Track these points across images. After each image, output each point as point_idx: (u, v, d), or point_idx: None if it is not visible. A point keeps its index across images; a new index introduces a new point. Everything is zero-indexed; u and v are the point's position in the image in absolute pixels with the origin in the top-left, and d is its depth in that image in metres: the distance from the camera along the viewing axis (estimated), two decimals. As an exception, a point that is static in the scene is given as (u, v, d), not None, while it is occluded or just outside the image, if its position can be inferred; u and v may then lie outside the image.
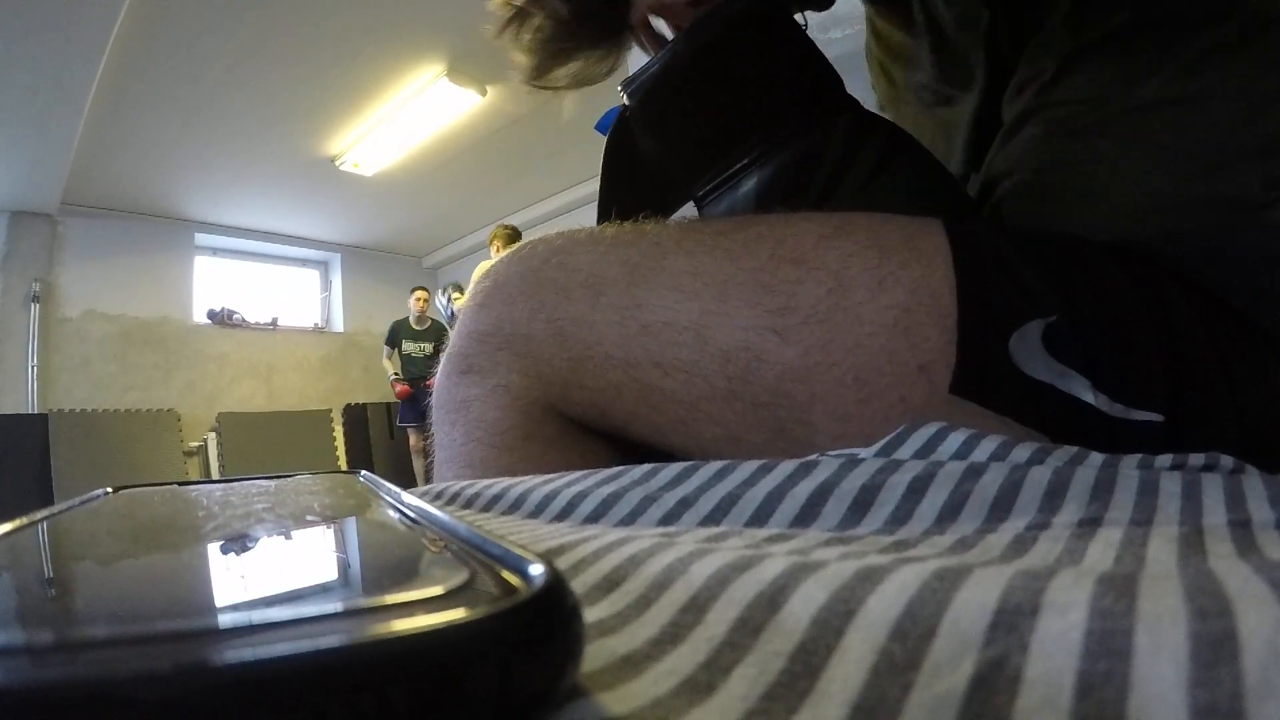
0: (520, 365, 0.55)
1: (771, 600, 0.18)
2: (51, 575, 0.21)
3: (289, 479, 0.36)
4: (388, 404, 7.10)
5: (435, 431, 0.60)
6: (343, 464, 6.75)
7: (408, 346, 6.27)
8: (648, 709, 0.15)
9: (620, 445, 0.57)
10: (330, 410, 6.80)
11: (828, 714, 0.14)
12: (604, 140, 0.74)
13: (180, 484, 0.34)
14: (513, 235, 5.13)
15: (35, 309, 5.66)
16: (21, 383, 5.58)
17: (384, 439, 6.95)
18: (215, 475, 6.07)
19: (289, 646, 0.11)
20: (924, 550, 0.24)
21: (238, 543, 0.25)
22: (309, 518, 0.29)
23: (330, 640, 0.12)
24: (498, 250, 5.06)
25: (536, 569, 0.15)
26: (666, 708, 0.15)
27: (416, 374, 6.19)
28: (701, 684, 0.16)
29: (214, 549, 0.24)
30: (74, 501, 0.29)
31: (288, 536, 0.26)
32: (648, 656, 0.17)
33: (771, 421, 0.49)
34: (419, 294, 6.42)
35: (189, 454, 6.10)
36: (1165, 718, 0.13)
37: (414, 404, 6.16)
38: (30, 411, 5.49)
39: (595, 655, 0.17)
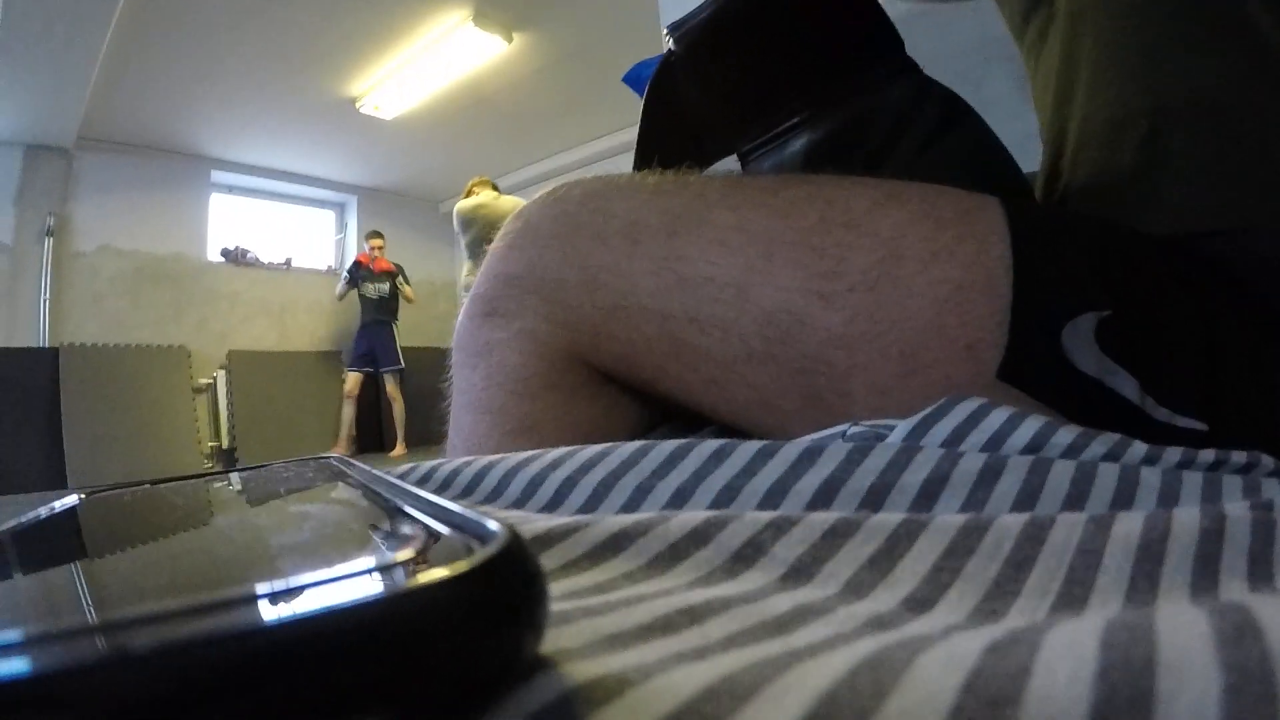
0: (548, 311, 0.54)
1: (776, 628, 0.17)
2: (23, 578, 0.21)
3: (261, 469, 0.36)
4: (399, 347, 7.12)
5: (454, 375, 0.58)
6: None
7: (366, 288, 6.38)
8: (632, 670, 0.14)
9: (646, 399, 0.56)
10: (340, 352, 6.83)
11: (832, 671, 0.14)
12: (630, 93, 0.72)
13: (152, 482, 0.34)
14: (488, 181, 5.31)
15: (49, 243, 5.67)
16: (33, 317, 5.60)
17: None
18: (224, 412, 6.18)
19: (207, 628, 0.11)
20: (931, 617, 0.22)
21: (195, 534, 0.26)
22: (269, 506, 0.30)
23: (261, 618, 0.12)
24: (477, 193, 5.19)
25: (491, 533, 0.15)
26: (650, 671, 0.14)
27: (370, 318, 6.37)
28: (691, 656, 0.15)
29: (171, 542, 0.25)
30: (44, 509, 0.29)
31: (241, 528, 0.27)
32: (636, 638, 0.16)
33: (807, 388, 0.48)
34: (375, 241, 6.56)
35: (198, 391, 6.14)
36: (1198, 669, 0.12)
37: (365, 346, 6.36)
38: (41, 345, 5.52)
39: (578, 634, 0.16)
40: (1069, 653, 0.13)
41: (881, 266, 0.47)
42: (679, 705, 0.13)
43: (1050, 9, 0.68)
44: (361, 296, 6.39)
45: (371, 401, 6.70)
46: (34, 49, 4.22)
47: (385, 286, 6.43)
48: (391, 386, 6.39)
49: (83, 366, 5.49)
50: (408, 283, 6.60)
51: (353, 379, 6.33)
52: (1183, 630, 0.14)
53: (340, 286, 6.56)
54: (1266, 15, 0.54)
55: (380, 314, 6.42)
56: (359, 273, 6.41)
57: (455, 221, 5.08)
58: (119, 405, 5.56)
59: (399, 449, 6.44)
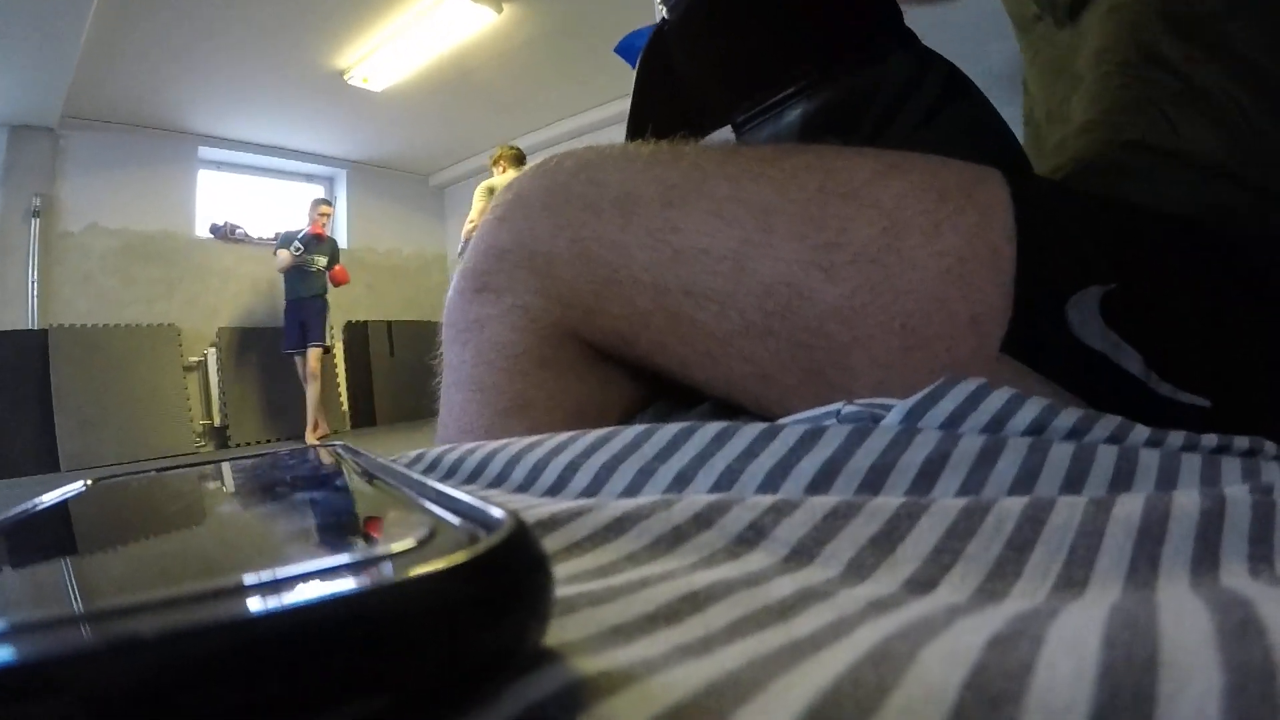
0: (540, 285, 0.53)
1: (779, 613, 0.17)
2: (19, 568, 0.21)
3: (264, 456, 0.36)
4: (389, 322, 7.11)
5: (444, 352, 0.57)
6: (343, 382, 6.79)
7: (313, 260, 5.96)
8: (636, 665, 0.14)
9: (642, 374, 0.55)
10: (332, 327, 6.78)
11: (834, 665, 0.14)
12: (622, 63, 0.71)
13: (159, 470, 0.34)
14: (519, 156, 5.07)
15: (36, 223, 5.65)
16: (22, 298, 5.59)
17: (384, 357, 6.98)
18: (215, 390, 6.19)
19: (210, 615, 0.11)
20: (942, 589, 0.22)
21: (197, 525, 0.26)
22: (275, 493, 0.30)
23: (265, 606, 0.12)
24: (504, 170, 4.97)
25: (497, 521, 0.15)
26: (655, 665, 0.14)
27: (310, 292, 5.98)
28: (696, 649, 0.15)
29: (177, 530, 0.25)
30: (50, 495, 0.28)
31: (249, 514, 0.27)
32: (640, 630, 0.16)
33: (808, 363, 0.47)
34: (327, 209, 6.21)
35: (189, 369, 6.15)
36: (1200, 668, 0.12)
37: (298, 325, 5.95)
38: (31, 327, 5.52)
39: (582, 624, 0.16)
40: (1072, 650, 0.13)
41: (883, 238, 0.46)
42: (682, 699, 0.13)
43: (1056, 13, 0.68)
44: (303, 270, 5.94)
45: (362, 374, 6.70)
46: (16, 28, 4.19)
47: (325, 260, 6.03)
48: (315, 363, 5.93)
49: (73, 347, 5.49)
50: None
51: (302, 361, 5.95)
52: (1186, 626, 0.14)
53: (287, 256, 5.94)
54: (1238, 28, 0.55)
55: (320, 289, 6.03)
56: (314, 245, 5.97)
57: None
58: (110, 385, 5.57)
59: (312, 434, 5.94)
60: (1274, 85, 0.53)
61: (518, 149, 5.17)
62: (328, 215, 6.14)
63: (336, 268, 6.11)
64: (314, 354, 5.89)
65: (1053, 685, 0.13)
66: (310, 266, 5.94)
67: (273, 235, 6.68)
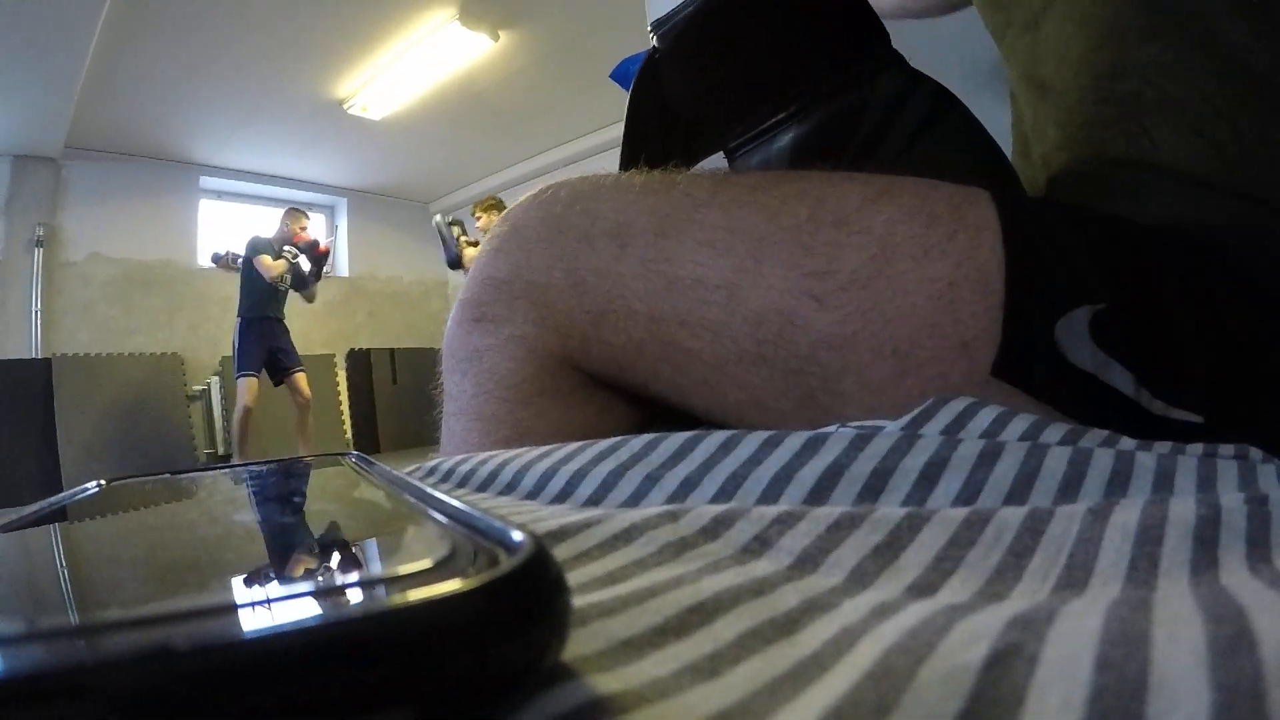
0: (537, 315, 0.53)
1: (785, 627, 0.18)
2: (43, 568, 0.22)
3: (279, 463, 0.36)
4: (391, 350, 7.10)
5: (444, 381, 0.58)
6: (345, 409, 6.76)
7: (285, 279, 5.12)
8: (647, 687, 0.15)
9: (639, 401, 0.55)
10: (334, 355, 6.78)
11: (837, 686, 0.14)
12: (618, 89, 0.72)
13: (173, 473, 0.34)
14: (497, 205, 5.09)
15: (39, 253, 5.66)
16: (25, 327, 5.60)
17: (387, 384, 6.96)
18: (218, 419, 6.18)
19: (245, 630, 0.12)
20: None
21: (219, 530, 0.26)
22: (294, 501, 0.30)
23: (290, 621, 0.12)
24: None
25: (517, 543, 0.15)
26: (666, 687, 0.15)
27: (275, 313, 5.19)
28: (705, 670, 0.15)
29: (194, 538, 0.25)
30: (64, 495, 0.29)
31: (271, 522, 0.27)
32: (649, 644, 0.17)
33: (801, 389, 0.47)
34: (306, 220, 5.38)
35: (192, 398, 6.13)
36: (1189, 690, 0.12)
37: (264, 347, 5.10)
38: (34, 356, 5.51)
39: (594, 637, 0.17)
40: (1064, 673, 0.13)
41: (873, 264, 0.46)
42: None
43: (1029, 19, 0.69)
44: (273, 288, 5.08)
45: (366, 401, 6.67)
46: (18, 58, 4.21)
47: (289, 278, 5.16)
48: (306, 386, 5.28)
49: (76, 376, 5.47)
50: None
51: (257, 386, 5.06)
52: (1179, 639, 0.14)
53: (283, 264, 5.04)
54: (1233, 23, 0.54)
55: (280, 310, 5.25)
56: (312, 254, 5.18)
57: None
58: (113, 414, 5.55)
59: None
60: (1268, 83, 0.52)
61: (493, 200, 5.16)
62: (306, 228, 5.37)
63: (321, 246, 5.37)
64: (302, 378, 5.35)
65: (1042, 714, 0.13)
66: (282, 285, 5.12)
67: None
